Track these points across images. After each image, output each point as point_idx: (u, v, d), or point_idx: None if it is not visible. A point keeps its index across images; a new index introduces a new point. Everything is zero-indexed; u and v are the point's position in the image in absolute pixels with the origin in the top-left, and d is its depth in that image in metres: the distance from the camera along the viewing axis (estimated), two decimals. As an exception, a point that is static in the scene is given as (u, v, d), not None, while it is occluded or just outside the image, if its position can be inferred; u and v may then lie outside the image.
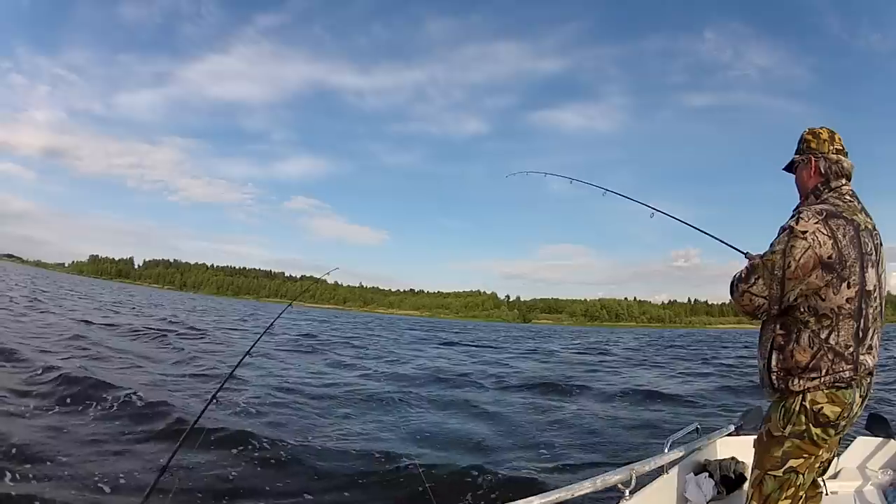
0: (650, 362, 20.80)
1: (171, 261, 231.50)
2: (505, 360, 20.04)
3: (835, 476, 3.30)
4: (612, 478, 2.40)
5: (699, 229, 3.20)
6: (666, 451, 2.93)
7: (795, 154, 2.46)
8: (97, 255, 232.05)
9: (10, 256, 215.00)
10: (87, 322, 17.97)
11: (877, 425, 3.65)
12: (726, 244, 2.80)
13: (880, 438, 3.64)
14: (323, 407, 8.70)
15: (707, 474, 3.17)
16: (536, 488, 4.62)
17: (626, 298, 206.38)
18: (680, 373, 16.55)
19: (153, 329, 18.09)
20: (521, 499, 2.00)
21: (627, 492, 2.45)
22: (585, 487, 2.24)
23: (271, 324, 2.52)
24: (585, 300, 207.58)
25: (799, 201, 2.43)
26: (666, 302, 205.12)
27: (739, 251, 2.52)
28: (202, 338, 17.94)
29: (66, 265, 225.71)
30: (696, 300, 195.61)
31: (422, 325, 62.41)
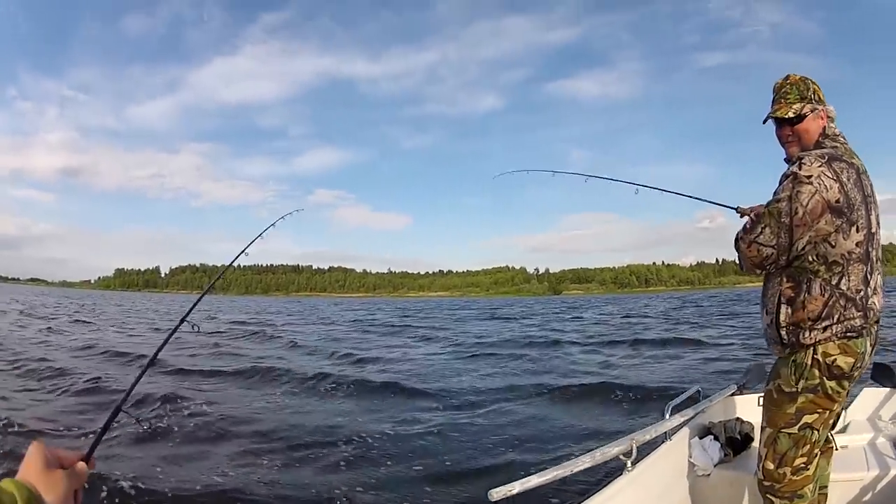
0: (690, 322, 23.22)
1: (198, 265, 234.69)
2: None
3: (843, 430, 3.17)
4: (612, 450, 2.32)
5: (681, 194, 3.07)
6: (667, 416, 2.82)
7: (806, 103, 2.25)
8: (122, 269, 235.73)
9: (34, 280, 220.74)
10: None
11: (883, 375, 3.45)
12: (715, 203, 2.64)
13: (887, 389, 3.49)
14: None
15: (712, 437, 3.06)
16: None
17: (653, 263, 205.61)
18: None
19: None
20: (517, 480, 1.96)
21: (629, 462, 2.37)
22: (584, 462, 2.18)
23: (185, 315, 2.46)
24: (614, 268, 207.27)
25: (792, 154, 2.26)
26: (694, 264, 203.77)
27: (729, 207, 2.39)
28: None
29: (93, 282, 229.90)
30: (723, 260, 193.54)
31: (463, 306, 63.48)
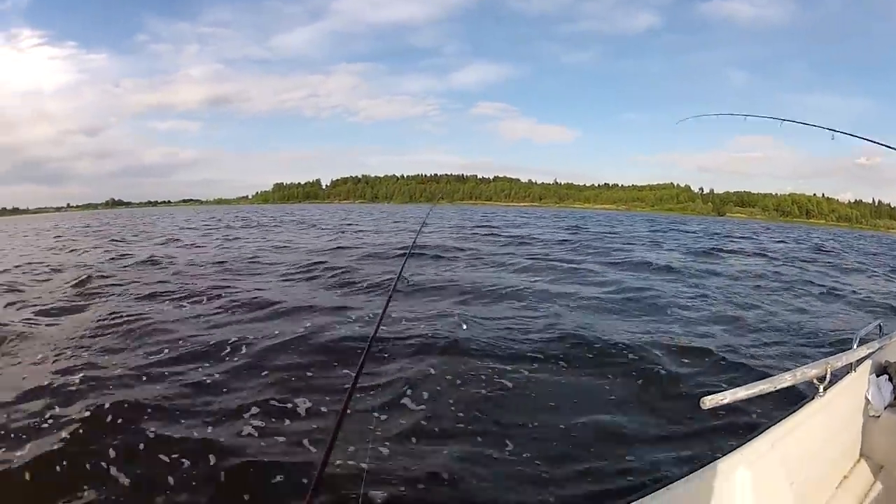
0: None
1: (360, 176, 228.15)
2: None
3: None
4: (810, 372, 2.35)
5: (882, 144, 3.36)
6: (854, 346, 2.77)
7: None
8: (281, 183, 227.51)
9: (186, 201, 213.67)
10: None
11: None
12: None
13: None
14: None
15: (887, 377, 3.05)
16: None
17: (814, 195, 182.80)
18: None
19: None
20: (727, 389, 2.04)
21: (822, 388, 2.41)
22: (786, 380, 2.21)
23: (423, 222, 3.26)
24: (776, 195, 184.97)
25: None
26: (852, 201, 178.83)
27: None
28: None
29: (250, 197, 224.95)
30: (880, 202, 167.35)
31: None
